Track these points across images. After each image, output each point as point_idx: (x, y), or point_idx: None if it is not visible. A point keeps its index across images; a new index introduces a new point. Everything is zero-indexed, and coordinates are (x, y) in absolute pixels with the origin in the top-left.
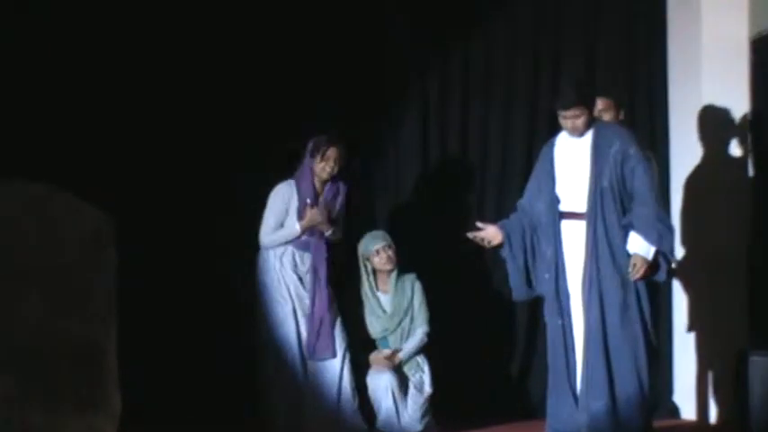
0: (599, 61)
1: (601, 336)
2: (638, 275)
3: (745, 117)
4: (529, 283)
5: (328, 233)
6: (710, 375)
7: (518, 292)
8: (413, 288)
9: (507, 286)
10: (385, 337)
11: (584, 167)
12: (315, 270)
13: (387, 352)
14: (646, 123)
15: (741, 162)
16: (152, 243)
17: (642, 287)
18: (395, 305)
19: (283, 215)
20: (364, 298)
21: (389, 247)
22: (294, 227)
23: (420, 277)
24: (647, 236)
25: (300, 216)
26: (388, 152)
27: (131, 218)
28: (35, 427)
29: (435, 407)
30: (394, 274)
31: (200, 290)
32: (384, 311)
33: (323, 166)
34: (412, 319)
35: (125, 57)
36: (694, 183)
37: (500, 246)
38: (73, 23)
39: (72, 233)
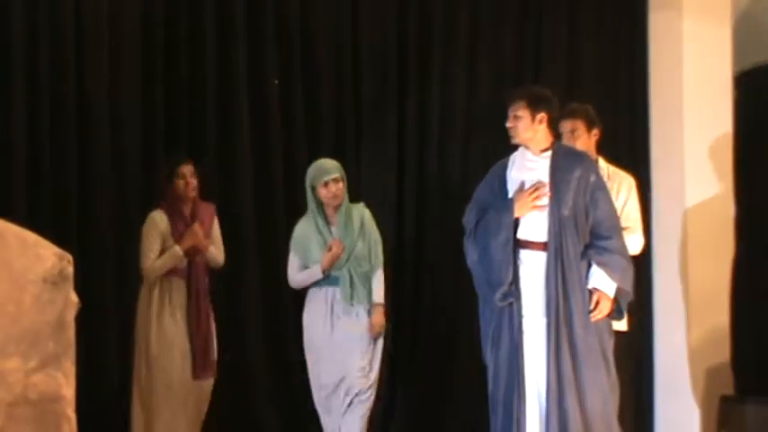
0: (580, 98)
1: (565, 382)
2: (600, 315)
3: (728, 150)
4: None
5: (209, 250)
6: (693, 422)
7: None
8: (362, 218)
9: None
10: (336, 277)
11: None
12: (197, 293)
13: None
14: (629, 158)
15: (725, 198)
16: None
17: (601, 327)
18: (345, 237)
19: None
20: (313, 230)
21: (339, 180)
22: (175, 249)
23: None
24: (611, 272)
25: (176, 240)
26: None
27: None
28: None
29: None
30: (343, 206)
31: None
32: (343, 234)
33: (183, 184)
34: (368, 249)
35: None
36: (678, 218)
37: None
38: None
39: (31, 270)
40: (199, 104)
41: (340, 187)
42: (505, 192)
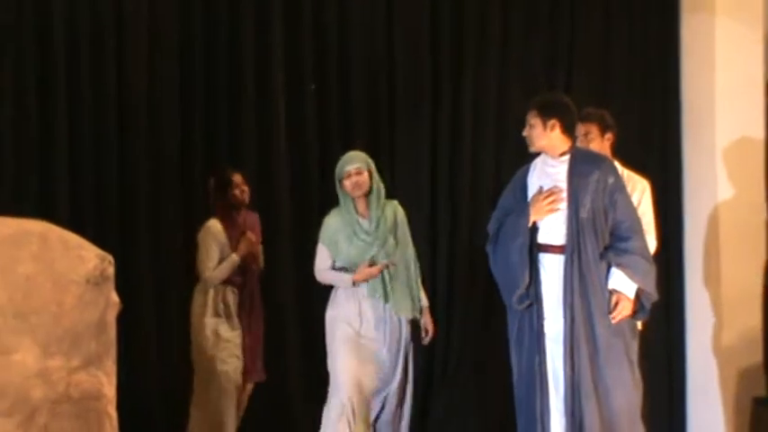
0: (612, 102)
1: (582, 376)
2: (621, 316)
3: (760, 155)
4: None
5: (261, 259)
6: (725, 424)
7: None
8: (395, 214)
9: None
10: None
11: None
12: (251, 299)
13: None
14: (658, 164)
15: (757, 202)
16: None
17: (618, 328)
18: (377, 230)
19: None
20: (342, 223)
21: (362, 170)
22: (233, 258)
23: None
24: (630, 273)
25: (232, 248)
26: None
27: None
28: None
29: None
30: (374, 198)
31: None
32: (367, 234)
33: (239, 192)
34: (396, 244)
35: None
36: (710, 222)
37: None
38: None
39: (73, 271)
40: (237, 112)
41: (363, 177)
42: (526, 197)
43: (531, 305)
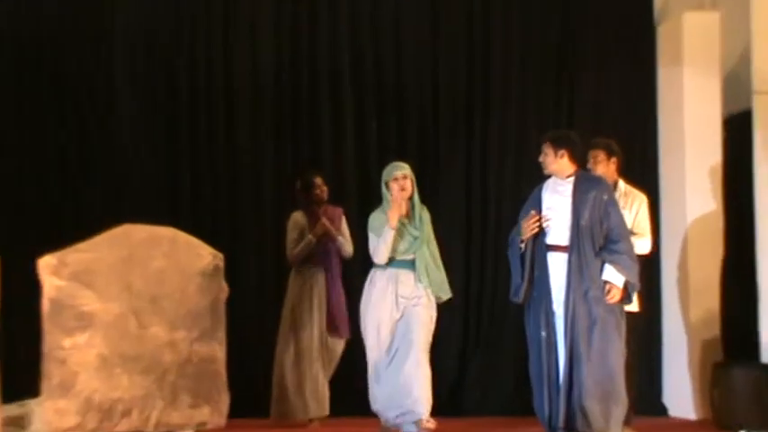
0: (605, 131)
1: (581, 346)
2: (613, 300)
3: (719, 177)
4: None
5: (339, 239)
6: (692, 382)
7: (518, 296)
8: (421, 214)
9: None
10: (400, 261)
11: (566, 209)
12: (330, 273)
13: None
14: (640, 183)
15: (716, 212)
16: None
17: (610, 308)
18: (413, 224)
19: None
20: (384, 219)
21: (407, 176)
22: (309, 237)
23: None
24: (620, 268)
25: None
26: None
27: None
28: (165, 418)
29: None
30: (416, 202)
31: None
32: (409, 233)
33: (319, 192)
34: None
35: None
36: (681, 227)
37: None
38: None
39: (193, 265)
40: (316, 140)
41: (408, 183)
42: (541, 209)
43: (527, 299)
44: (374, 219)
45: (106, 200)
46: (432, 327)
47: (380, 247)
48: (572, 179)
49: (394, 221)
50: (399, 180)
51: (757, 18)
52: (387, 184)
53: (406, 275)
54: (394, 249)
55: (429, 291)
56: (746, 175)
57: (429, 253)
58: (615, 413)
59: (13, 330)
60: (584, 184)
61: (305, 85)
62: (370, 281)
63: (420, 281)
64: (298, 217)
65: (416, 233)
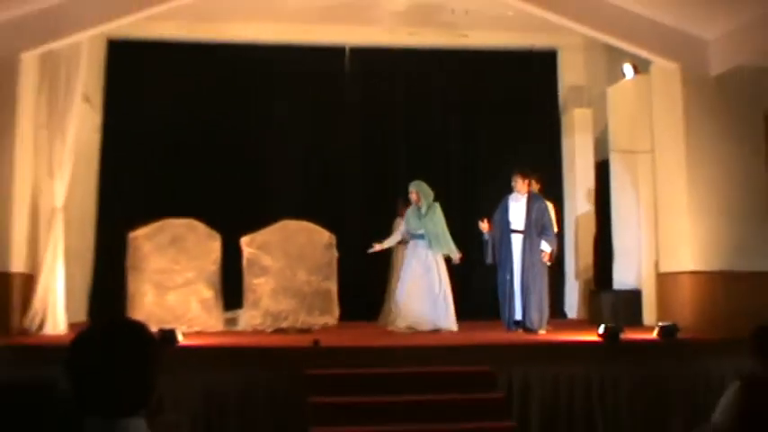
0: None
1: (529, 284)
2: (545, 260)
3: (591, 202)
4: (492, 257)
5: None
6: (579, 300)
7: (488, 260)
8: (435, 210)
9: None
10: (420, 235)
11: (522, 210)
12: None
13: None
14: (550, 195)
15: (590, 215)
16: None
17: (542, 263)
18: (425, 215)
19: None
20: (412, 212)
21: (413, 192)
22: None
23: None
24: (549, 242)
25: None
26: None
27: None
28: (306, 322)
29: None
30: (425, 202)
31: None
32: (422, 218)
33: (414, 199)
34: (434, 222)
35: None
36: (571, 220)
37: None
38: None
39: (319, 241)
40: (401, 168)
41: (414, 195)
42: (506, 210)
43: (498, 261)
44: (407, 213)
45: (270, 205)
46: (441, 270)
47: (388, 240)
48: (526, 195)
49: (378, 248)
50: (412, 194)
51: (612, 111)
52: (408, 193)
53: (421, 244)
54: (408, 228)
55: (438, 254)
56: (606, 192)
57: (433, 227)
58: (544, 316)
59: (230, 275)
60: (534, 199)
61: (400, 139)
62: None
63: (430, 247)
64: (398, 222)
65: (423, 216)
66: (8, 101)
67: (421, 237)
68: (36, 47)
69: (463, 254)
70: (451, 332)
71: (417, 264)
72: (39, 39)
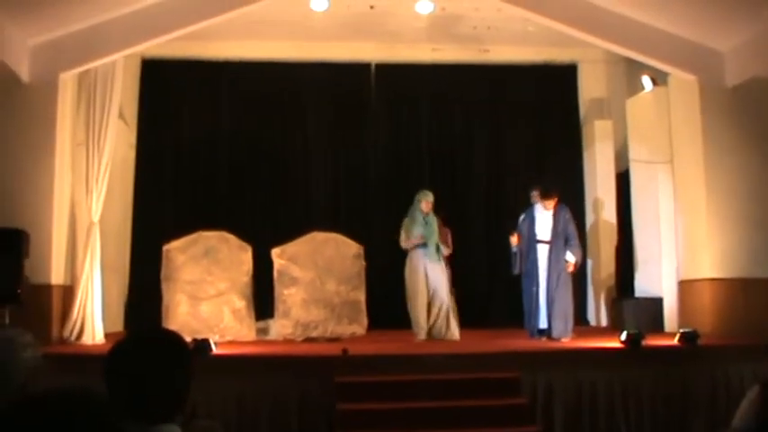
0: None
1: (554, 293)
2: (569, 270)
3: (613, 208)
4: (519, 267)
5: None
6: (603, 309)
7: (515, 270)
8: (434, 219)
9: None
10: (425, 244)
11: (549, 221)
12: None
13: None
14: (573, 208)
15: (612, 222)
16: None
17: (567, 273)
18: (432, 224)
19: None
20: (416, 219)
21: (429, 201)
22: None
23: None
24: (575, 253)
25: None
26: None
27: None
28: (335, 332)
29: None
30: (430, 213)
31: None
32: (427, 225)
33: (427, 207)
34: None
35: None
36: (594, 230)
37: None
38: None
39: (347, 252)
40: (425, 180)
41: (430, 204)
42: (532, 220)
43: (524, 270)
44: (408, 220)
45: (299, 217)
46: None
47: (408, 242)
48: (552, 208)
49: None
50: (427, 202)
51: (631, 123)
52: (419, 202)
53: (429, 251)
54: (417, 234)
55: (442, 259)
56: (627, 202)
57: (436, 235)
58: (569, 325)
59: (261, 286)
60: (560, 211)
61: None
62: (410, 258)
63: (437, 252)
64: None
65: (430, 227)
66: (48, 120)
67: (424, 245)
68: (74, 67)
69: (486, 264)
70: (455, 341)
71: (435, 271)
72: (76, 59)
